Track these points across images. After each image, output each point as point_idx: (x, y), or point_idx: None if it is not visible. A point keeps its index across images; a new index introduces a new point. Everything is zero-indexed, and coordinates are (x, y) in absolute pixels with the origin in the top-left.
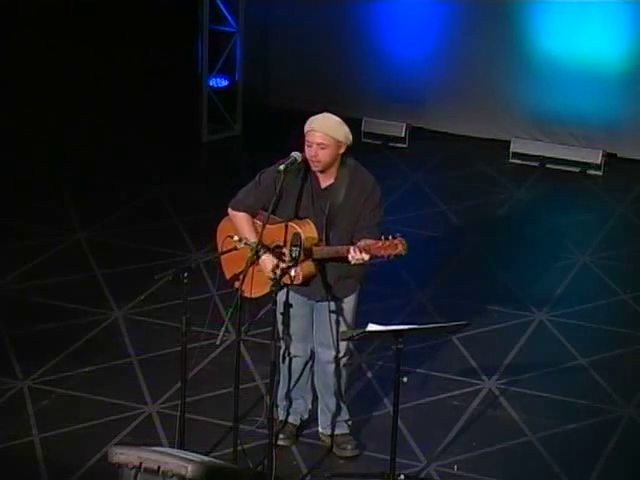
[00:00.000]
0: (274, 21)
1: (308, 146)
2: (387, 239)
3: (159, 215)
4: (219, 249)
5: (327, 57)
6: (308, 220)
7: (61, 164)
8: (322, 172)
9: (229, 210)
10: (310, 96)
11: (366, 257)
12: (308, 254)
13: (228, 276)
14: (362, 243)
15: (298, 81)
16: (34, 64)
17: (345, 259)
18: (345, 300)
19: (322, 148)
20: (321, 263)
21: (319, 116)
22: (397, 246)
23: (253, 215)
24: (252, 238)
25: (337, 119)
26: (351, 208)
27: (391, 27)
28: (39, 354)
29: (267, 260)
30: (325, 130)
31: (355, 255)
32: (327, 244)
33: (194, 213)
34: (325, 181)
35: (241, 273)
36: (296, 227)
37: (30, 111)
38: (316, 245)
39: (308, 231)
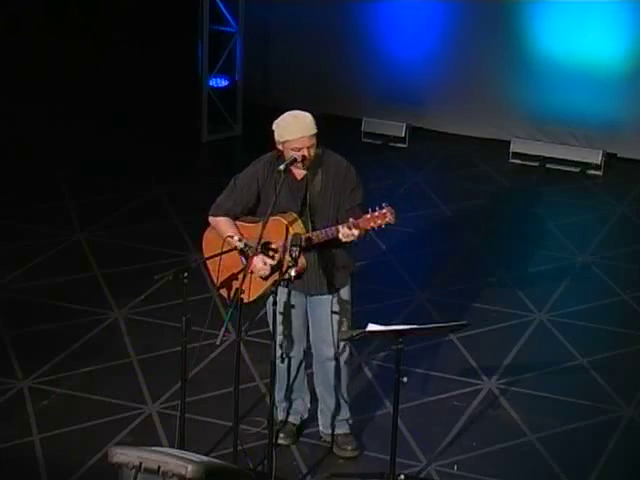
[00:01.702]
0: (274, 21)
1: (297, 151)
2: (374, 211)
3: (159, 215)
4: (207, 257)
5: (327, 57)
6: (291, 212)
7: (61, 164)
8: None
9: (210, 218)
10: (310, 96)
11: (356, 232)
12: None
13: (217, 284)
14: (351, 220)
15: (298, 81)
16: (33, 64)
17: (335, 240)
18: (339, 293)
19: (311, 147)
20: (313, 254)
21: (295, 120)
22: (385, 215)
23: (234, 219)
24: (237, 241)
25: (307, 114)
26: (331, 193)
27: (391, 27)
28: (39, 354)
29: (256, 260)
30: (311, 131)
31: (345, 232)
32: None
33: (194, 213)
34: (300, 172)
35: (238, 274)
36: (282, 219)
37: (30, 111)
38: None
39: (294, 223)
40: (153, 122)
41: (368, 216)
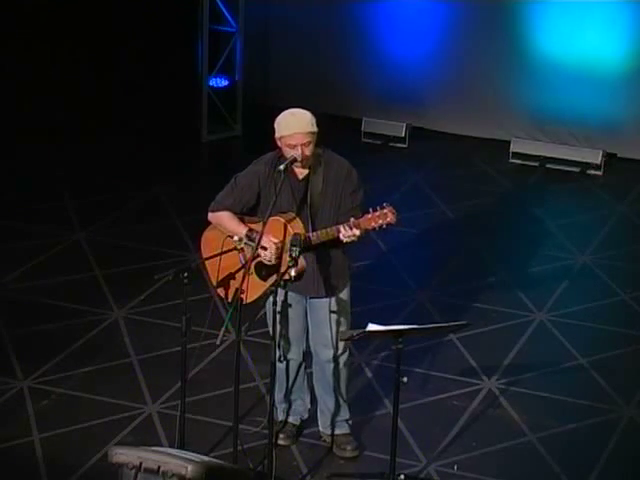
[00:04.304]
0: (274, 21)
1: (292, 148)
2: (375, 210)
3: (159, 215)
4: (206, 257)
5: (327, 57)
6: (291, 213)
7: (61, 164)
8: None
9: (209, 214)
10: (310, 96)
11: (357, 232)
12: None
13: (215, 284)
14: (352, 219)
15: (298, 81)
16: (34, 64)
17: (337, 240)
18: (338, 295)
19: (307, 145)
20: (312, 256)
21: (293, 117)
22: (387, 215)
23: None
24: (242, 229)
25: (307, 112)
26: (331, 194)
27: (391, 27)
28: (39, 354)
29: (266, 241)
30: (307, 128)
31: (346, 232)
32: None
33: (194, 213)
34: (301, 172)
35: (236, 273)
36: (281, 219)
37: (30, 111)
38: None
39: (293, 222)
40: (153, 122)
41: (369, 216)
